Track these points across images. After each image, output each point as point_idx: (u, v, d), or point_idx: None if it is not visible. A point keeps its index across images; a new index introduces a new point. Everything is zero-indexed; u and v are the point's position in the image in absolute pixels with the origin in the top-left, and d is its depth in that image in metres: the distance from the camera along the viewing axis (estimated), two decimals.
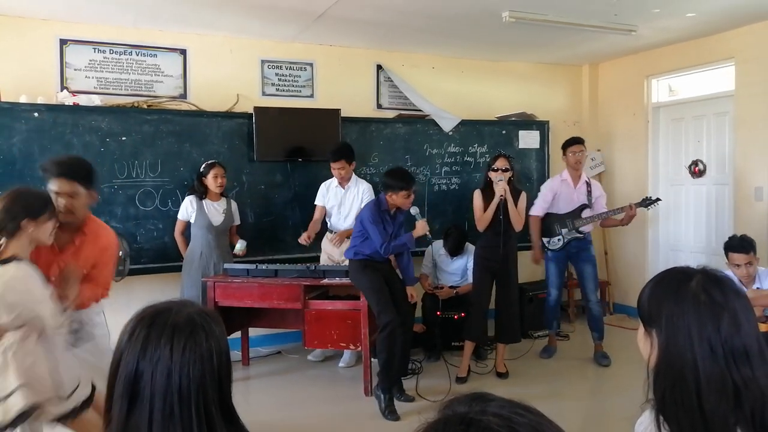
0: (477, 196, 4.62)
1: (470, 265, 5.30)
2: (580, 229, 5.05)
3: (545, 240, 5.17)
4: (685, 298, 1.25)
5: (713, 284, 1.26)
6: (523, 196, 4.65)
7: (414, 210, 4.36)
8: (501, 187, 4.44)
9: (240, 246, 4.88)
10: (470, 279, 5.03)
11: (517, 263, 4.72)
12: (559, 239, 5.10)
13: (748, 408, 1.17)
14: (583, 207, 5.08)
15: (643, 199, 5.09)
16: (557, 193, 5.16)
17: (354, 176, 5.04)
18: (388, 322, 4.07)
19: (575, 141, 5.20)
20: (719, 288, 1.25)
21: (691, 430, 1.18)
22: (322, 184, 5.12)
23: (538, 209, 5.19)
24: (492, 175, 4.56)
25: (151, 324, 1.21)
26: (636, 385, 1.37)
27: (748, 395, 1.17)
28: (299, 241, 4.94)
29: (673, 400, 1.22)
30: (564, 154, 5.22)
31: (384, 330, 4.09)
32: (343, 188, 5.00)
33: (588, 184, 5.16)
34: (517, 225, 4.57)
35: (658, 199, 5.13)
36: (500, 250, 4.50)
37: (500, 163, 4.56)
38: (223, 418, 1.21)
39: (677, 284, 1.29)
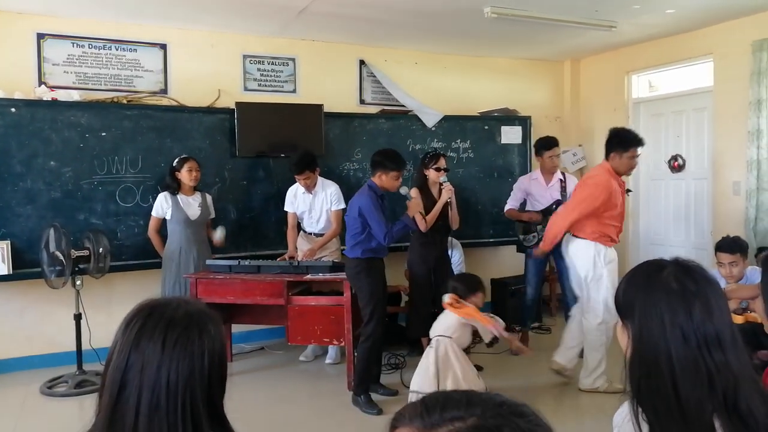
0: (416, 195, 4.53)
1: (456, 259, 5.33)
2: None
3: (521, 237, 5.29)
4: (656, 287, 1.28)
5: (685, 273, 1.29)
6: (454, 195, 4.74)
7: (404, 190, 4.35)
8: (448, 188, 4.53)
9: (220, 233, 4.87)
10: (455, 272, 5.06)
11: (449, 259, 4.84)
12: (533, 236, 5.21)
13: (721, 392, 1.20)
14: (557, 203, 5.16)
15: None
16: (528, 192, 5.25)
17: (319, 179, 4.96)
18: (372, 334, 4.07)
19: (554, 143, 5.24)
20: (691, 276, 1.28)
21: (667, 417, 1.21)
22: (289, 191, 5.04)
23: (509, 205, 5.41)
24: (434, 174, 4.61)
25: (148, 315, 1.22)
26: (615, 377, 1.40)
27: (721, 379, 1.20)
28: (280, 260, 4.85)
29: (649, 389, 1.24)
30: (539, 155, 5.26)
31: (367, 341, 4.09)
32: (311, 193, 4.94)
33: (563, 180, 5.21)
34: (456, 224, 4.71)
35: (629, 191, 5.16)
36: (439, 247, 4.64)
37: (443, 163, 4.64)
38: (211, 418, 1.21)
39: (649, 275, 1.32)
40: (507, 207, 5.40)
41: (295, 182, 4.96)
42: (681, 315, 1.24)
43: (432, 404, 0.74)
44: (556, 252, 5.18)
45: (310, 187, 4.92)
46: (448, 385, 3.50)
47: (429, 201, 4.56)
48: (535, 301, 5.30)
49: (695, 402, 1.19)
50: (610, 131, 4.22)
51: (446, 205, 4.60)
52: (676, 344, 1.23)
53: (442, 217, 4.63)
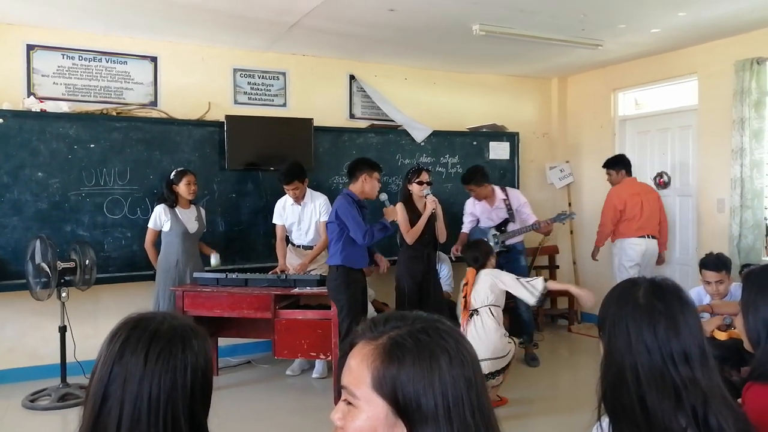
0: (401, 210, 4.59)
1: (444, 273, 5.35)
2: (507, 242, 5.25)
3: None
4: (625, 304, 1.36)
5: (655, 291, 1.36)
6: (439, 208, 4.74)
7: (383, 196, 4.44)
8: (432, 200, 4.54)
9: (215, 260, 4.87)
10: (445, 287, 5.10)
11: (437, 272, 4.82)
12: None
13: (689, 406, 1.24)
14: (506, 221, 5.27)
15: (558, 215, 5.34)
16: (475, 214, 5.37)
17: (308, 191, 4.99)
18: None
19: (466, 181, 5.29)
20: (660, 295, 1.35)
21: (631, 426, 1.26)
22: (278, 203, 5.06)
23: (464, 228, 5.48)
24: (416, 188, 4.64)
25: (132, 328, 1.23)
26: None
27: (689, 395, 1.25)
28: (272, 273, 4.85)
29: (614, 398, 1.31)
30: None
31: (345, 356, 4.08)
32: (300, 205, 4.96)
33: (506, 199, 5.31)
34: (443, 236, 4.70)
35: (572, 214, 5.43)
36: (427, 261, 4.62)
37: (425, 177, 4.66)
38: None
39: (622, 292, 1.40)
40: (462, 230, 5.47)
41: (284, 195, 4.98)
42: (645, 330, 1.30)
43: (377, 321, 1.02)
44: (506, 268, 5.26)
45: (299, 198, 4.92)
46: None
47: (414, 215, 4.59)
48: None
49: (662, 413, 1.24)
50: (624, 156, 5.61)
51: (433, 217, 4.62)
52: (641, 357, 1.29)
53: (429, 230, 4.65)
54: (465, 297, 4.17)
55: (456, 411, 0.92)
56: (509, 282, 4.13)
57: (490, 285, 4.14)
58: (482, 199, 5.29)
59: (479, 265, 4.25)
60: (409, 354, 0.94)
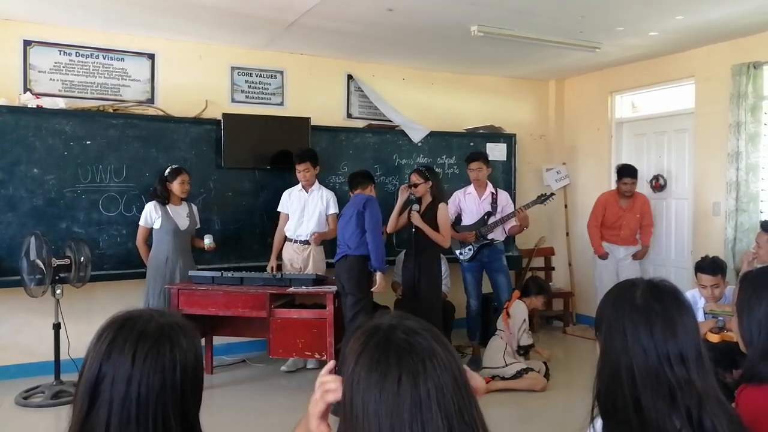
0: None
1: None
2: (488, 236, 5.24)
3: (457, 252, 5.32)
4: (623, 304, 1.36)
5: (653, 292, 1.36)
6: (441, 207, 4.74)
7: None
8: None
9: (208, 240, 4.87)
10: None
11: (430, 274, 4.72)
12: (469, 249, 5.27)
13: (683, 408, 1.25)
14: (487, 215, 5.27)
15: (538, 197, 5.39)
16: (462, 206, 5.35)
17: (317, 183, 5.10)
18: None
19: (473, 158, 5.35)
20: (658, 297, 1.35)
21: (624, 427, 1.27)
22: (285, 192, 5.13)
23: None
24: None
25: (119, 328, 1.21)
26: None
27: (684, 396, 1.25)
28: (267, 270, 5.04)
29: (608, 398, 1.31)
30: (467, 167, 5.39)
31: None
32: (307, 192, 5.04)
33: (494, 194, 5.35)
34: (441, 241, 4.72)
35: (552, 194, 5.49)
36: (414, 259, 4.72)
37: (411, 179, 4.83)
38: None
39: (620, 293, 1.40)
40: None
41: (286, 189, 5.11)
42: (642, 331, 1.31)
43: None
44: (489, 266, 5.27)
45: (308, 182, 5.01)
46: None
47: (424, 217, 4.75)
48: (479, 313, 5.32)
49: (657, 414, 1.24)
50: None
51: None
52: (637, 358, 1.29)
53: (408, 227, 4.74)
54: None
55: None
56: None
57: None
58: (481, 182, 5.31)
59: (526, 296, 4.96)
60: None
